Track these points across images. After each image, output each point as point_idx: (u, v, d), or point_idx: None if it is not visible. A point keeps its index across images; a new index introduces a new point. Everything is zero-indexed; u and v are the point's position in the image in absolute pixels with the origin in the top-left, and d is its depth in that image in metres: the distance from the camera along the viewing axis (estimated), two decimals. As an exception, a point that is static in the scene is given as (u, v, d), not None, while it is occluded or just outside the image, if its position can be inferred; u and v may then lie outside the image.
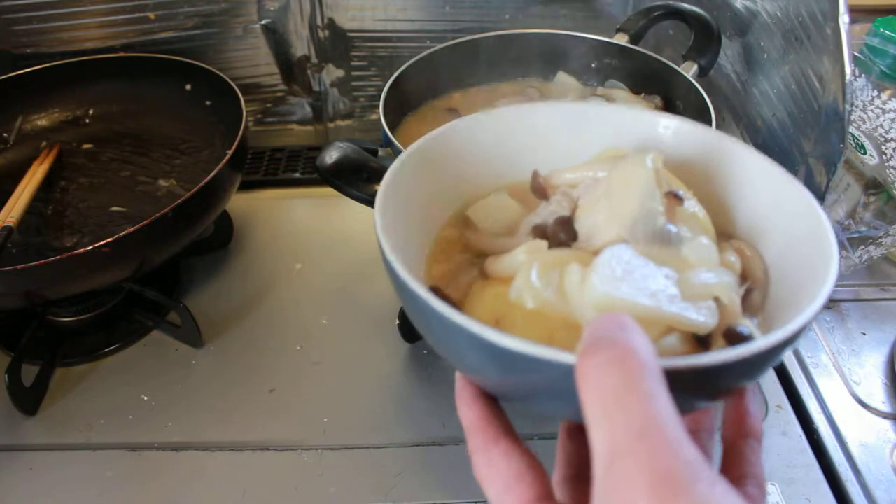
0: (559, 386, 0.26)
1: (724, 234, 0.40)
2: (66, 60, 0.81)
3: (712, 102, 0.66)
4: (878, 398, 0.62)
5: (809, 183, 0.57)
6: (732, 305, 0.34)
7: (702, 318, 0.32)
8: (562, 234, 0.37)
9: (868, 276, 0.73)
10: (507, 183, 0.44)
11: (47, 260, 0.54)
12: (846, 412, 0.60)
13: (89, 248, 0.55)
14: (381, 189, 0.37)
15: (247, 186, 0.86)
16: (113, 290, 0.68)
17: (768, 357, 0.29)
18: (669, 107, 0.74)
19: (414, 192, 0.40)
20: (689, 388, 0.28)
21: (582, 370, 0.24)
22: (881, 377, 0.64)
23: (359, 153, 0.56)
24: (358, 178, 0.55)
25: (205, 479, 0.56)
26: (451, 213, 0.43)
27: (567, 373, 0.25)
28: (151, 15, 0.82)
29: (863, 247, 0.68)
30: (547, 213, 0.39)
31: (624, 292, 0.31)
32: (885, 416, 0.60)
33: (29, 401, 0.61)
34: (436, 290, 0.37)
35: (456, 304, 0.36)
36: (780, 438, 0.58)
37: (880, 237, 0.68)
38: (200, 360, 0.66)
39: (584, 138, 0.44)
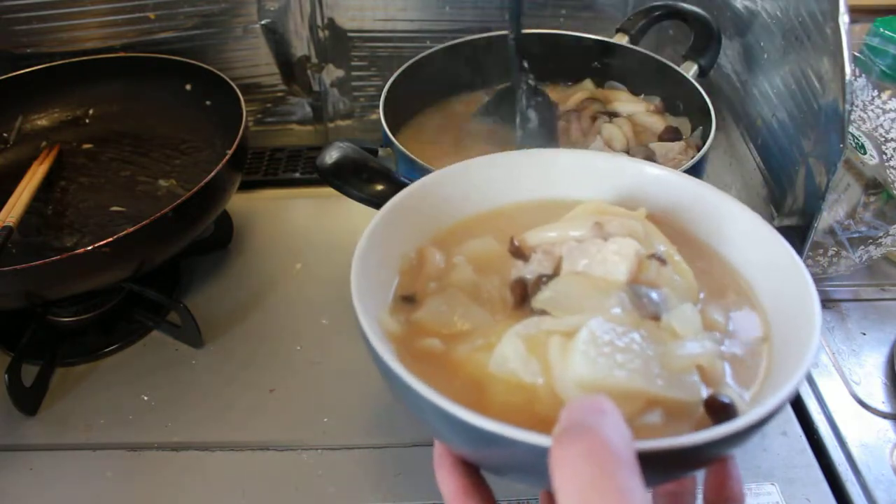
0: (534, 464, 0.26)
1: (717, 284, 0.40)
2: (66, 60, 0.81)
3: (712, 102, 0.66)
4: (878, 398, 0.62)
5: (809, 183, 0.57)
6: (715, 372, 0.34)
7: (684, 394, 0.32)
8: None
9: (868, 276, 0.73)
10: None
11: (47, 260, 0.54)
12: (846, 412, 0.60)
13: (89, 248, 0.55)
14: (358, 249, 0.36)
15: (247, 186, 0.86)
16: (113, 290, 0.68)
17: (743, 435, 0.28)
18: (669, 107, 0.74)
19: (393, 242, 0.40)
20: (666, 465, 0.28)
21: (556, 458, 0.24)
22: (881, 377, 0.63)
23: (359, 153, 0.56)
24: (358, 178, 0.55)
25: (204, 479, 0.56)
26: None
27: (541, 454, 0.25)
28: (151, 15, 0.82)
29: (863, 247, 0.68)
30: (527, 270, 0.39)
31: (605, 370, 0.30)
32: (885, 416, 0.60)
33: (29, 401, 0.61)
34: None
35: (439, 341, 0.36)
36: (780, 438, 0.58)
37: (880, 237, 0.68)
38: (200, 359, 0.66)
39: (571, 186, 0.44)
